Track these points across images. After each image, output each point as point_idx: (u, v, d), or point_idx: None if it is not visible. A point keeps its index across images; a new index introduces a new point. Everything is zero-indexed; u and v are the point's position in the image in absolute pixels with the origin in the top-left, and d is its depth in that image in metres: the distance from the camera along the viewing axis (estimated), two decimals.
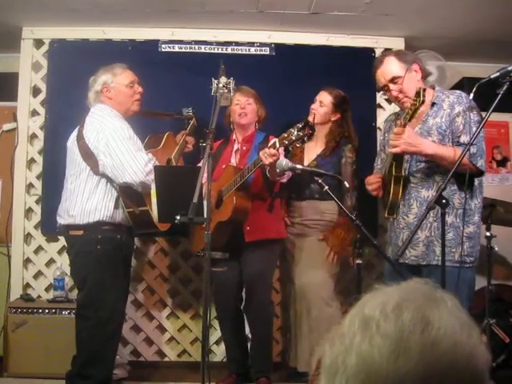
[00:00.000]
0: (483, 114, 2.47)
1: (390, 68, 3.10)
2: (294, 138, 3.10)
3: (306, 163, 3.84)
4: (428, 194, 3.03)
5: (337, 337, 0.81)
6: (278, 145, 3.19)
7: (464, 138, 2.91)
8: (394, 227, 3.21)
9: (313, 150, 3.91)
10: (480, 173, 2.95)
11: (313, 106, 3.90)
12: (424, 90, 2.75)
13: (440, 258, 2.90)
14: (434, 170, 3.02)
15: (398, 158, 3.00)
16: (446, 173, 2.87)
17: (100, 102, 3.44)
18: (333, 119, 3.89)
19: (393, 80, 3.08)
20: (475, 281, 3.11)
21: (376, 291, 0.83)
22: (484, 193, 3.86)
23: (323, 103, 3.88)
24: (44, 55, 4.47)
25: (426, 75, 3.16)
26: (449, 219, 2.88)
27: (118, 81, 3.47)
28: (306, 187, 3.81)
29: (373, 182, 3.23)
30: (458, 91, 3.08)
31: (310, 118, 3.88)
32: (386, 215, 3.17)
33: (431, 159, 2.99)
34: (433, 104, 3.05)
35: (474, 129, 2.83)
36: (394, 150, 2.90)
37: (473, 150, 2.82)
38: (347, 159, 3.79)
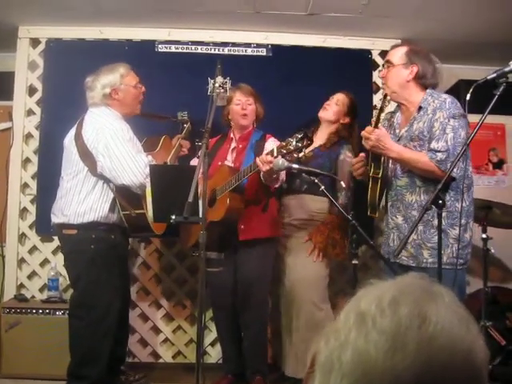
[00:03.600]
0: (479, 116, 2.45)
1: (394, 53, 3.19)
2: (292, 147, 3.12)
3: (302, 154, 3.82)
4: (412, 198, 3.07)
5: (332, 333, 0.80)
6: (275, 153, 3.20)
7: (434, 144, 2.93)
8: (386, 228, 3.24)
9: (312, 144, 3.88)
10: (451, 178, 2.85)
11: (327, 103, 3.90)
12: (385, 95, 3.05)
13: (428, 260, 2.98)
14: (416, 175, 3.05)
15: (375, 160, 3.09)
16: (427, 178, 2.98)
17: (106, 104, 3.41)
18: (342, 121, 3.88)
19: (387, 62, 3.19)
20: (465, 283, 3.12)
21: (372, 286, 0.82)
22: (480, 195, 3.86)
23: (339, 101, 3.88)
24: (40, 54, 4.46)
25: (426, 83, 3.13)
26: (434, 222, 2.87)
27: (126, 82, 3.46)
28: (294, 180, 3.79)
29: (356, 162, 3.26)
30: (444, 95, 3.08)
31: (321, 114, 3.88)
32: (368, 213, 3.20)
33: (398, 162, 3.09)
34: (420, 108, 3.07)
35: (451, 135, 2.89)
36: (364, 144, 3.08)
37: (441, 156, 2.88)
38: (346, 158, 3.76)
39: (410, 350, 0.71)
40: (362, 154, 3.24)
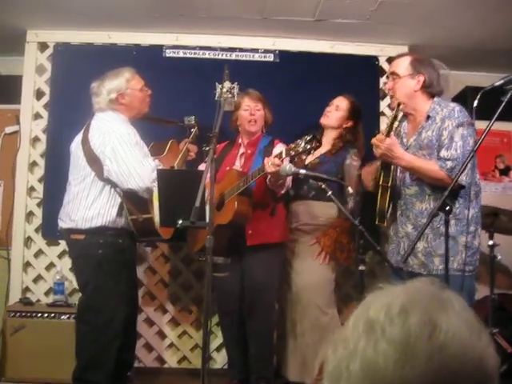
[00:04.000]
0: (486, 123, 2.44)
1: (398, 64, 3.18)
2: (300, 149, 3.11)
3: (308, 161, 3.82)
4: (422, 206, 3.06)
5: (340, 341, 0.79)
6: (284, 155, 3.20)
7: (444, 153, 2.92)
8: (395, 237, 3.22)
9: (318, 151, 3.88)
10: (460, 186, 2.88)
11: (328, 109, 3.90)
12: (398, 104, 2.92)
13: (439, 267, 2.95)
14: (425, 183, 3.05)
15: (385, 168, 3.07)
16: (436, 186, 2.97)
17: (112, 109, 3.41)
18: (345, 126, 3.87)
19: (392, 74, 3.19)
20: (475, 289, 3.10)
21: (381, 291, 0.81)
22: (487, 201, 3.84)
23: (339, 107, 3.87)
24: (48, 58, 4.47)
25: (432, 91, 3.13)
26: (443, 230, 2.86)
27: (132, 86, 3.46)
28: (301, 186, 3.79)
29: (368, 171, 3.26)
30: (453, 104, 3.08)
31: (323, 121, 3.88)
32: (376, 222, 3.18)
33: (408, 171, 3.08)
34: (428, 117, 3.06)
35: (460, 143, 2.89)
36: (375, 152, 3.02)
37: (451, 164, 2.87)
38: (352, 162, 3.74)
39: (420, 360, 0.71)
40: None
